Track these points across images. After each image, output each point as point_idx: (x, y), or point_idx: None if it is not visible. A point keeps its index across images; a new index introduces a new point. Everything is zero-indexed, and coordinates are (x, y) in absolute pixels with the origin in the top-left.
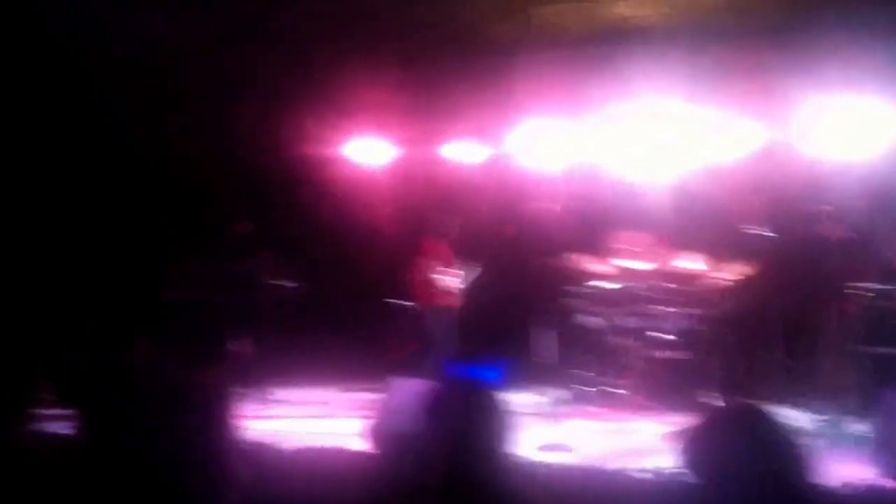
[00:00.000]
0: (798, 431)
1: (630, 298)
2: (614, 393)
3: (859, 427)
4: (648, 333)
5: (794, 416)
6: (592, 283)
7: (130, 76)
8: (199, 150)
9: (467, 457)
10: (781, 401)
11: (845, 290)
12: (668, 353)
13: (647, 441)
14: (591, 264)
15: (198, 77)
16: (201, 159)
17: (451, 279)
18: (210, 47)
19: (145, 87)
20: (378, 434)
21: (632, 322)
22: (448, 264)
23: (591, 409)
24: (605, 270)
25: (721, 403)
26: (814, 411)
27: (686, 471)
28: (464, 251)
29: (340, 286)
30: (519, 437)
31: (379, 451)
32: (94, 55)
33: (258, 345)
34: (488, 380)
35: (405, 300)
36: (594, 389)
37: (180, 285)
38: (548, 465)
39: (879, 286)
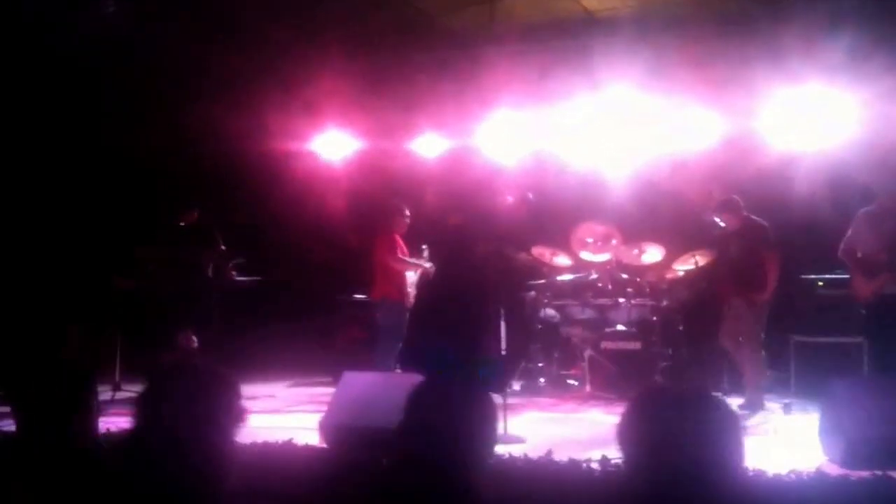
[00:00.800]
0: (740, 417)
1: (582, 289)
2: (566, 383)
3: (806, 414)
4: (601, 323)
5: (739, 403)
6: (546, 273)
7: (85, 66)
8: (152, 140)
9: (426, 449)
10: (730, 387)
11: (794, 280)
12: (621, 344)
13: (598, 430)
14: (544, 255)
15: (149, 65)
16: (153, 149)
17: (405, 271)
18: (164, 37)
19: (98, 77)
20: (329, 427)
21: (584, 312)
22: (401, 256)
23: (544, 399)
24: (559, 261)
25: (659, 388)
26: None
27: (626, 457)
28: (418, 243)
29: (293, 279)
30: (475, 427)
31: (330, 445)
32: (51, 44)
33: (207, 336)
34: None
35: (357, 293)
36: (546, 380)
37: (129, 275)
38: (502, 456)
39: (828, 276)
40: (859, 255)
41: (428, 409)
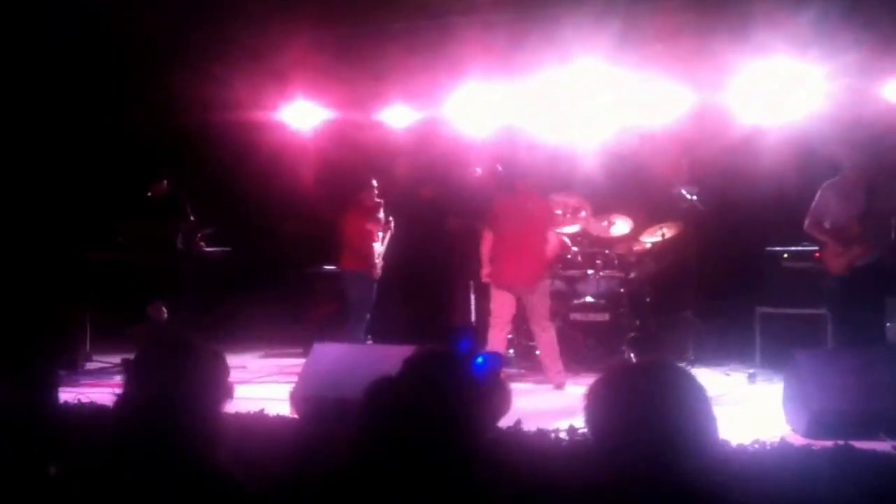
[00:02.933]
0: (704, 387)
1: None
2: (535, 354)
3: (770, 384)
4: (569, 295)
5: (707, 374)
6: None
7: (51, 38)
8: (121, 112)
9: (398, 421)
10: (697, 358)
11: (760, 252)
12: (589, 316)
13: (567, 401)
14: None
15: (116, 37)
16: (122, 121)
17: (375, 243)
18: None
19: (65, 49)
20: (300, 398)
21: (553, 284)
22: (371, 228)
23: (513, 370)
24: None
25: (625, 361)
26: (727, 369)
27: (591, 429)
28: (387, 215)
29: (263, 250)
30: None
31: (301, 416)
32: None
33: (177, 307)
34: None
35: (328, 264)
36: (515, 351)
37: (99, 247)
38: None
39: (793, 248)
40: (827, 226)
41: (431, 380)
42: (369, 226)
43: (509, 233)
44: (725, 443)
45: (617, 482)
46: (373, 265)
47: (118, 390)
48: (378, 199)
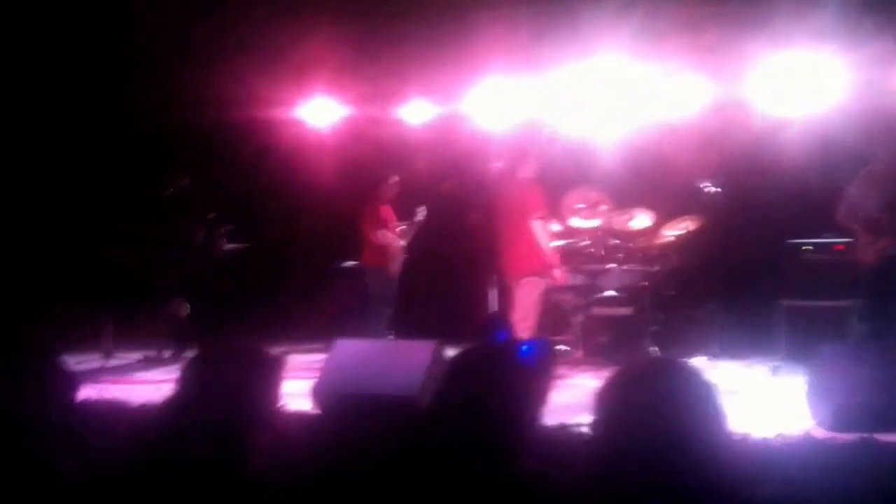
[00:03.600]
0: (719, 385)
1: (574, 255)
2: (558, 349)
3: (796, 378)
4: (591, 289)
5: (730, 366)
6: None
7: (69, 37)
8: (141, 109)
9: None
10: (720, 351)
11: (783, 244)
12: (612, 310)
13: (589, 396)
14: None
15: (135, 35)
16: (142, 118)
17: (395, 239)
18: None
19: (86, 48)
20: (322, 393)
21: (575, 278)
22: (391, 224)
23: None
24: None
25: (641, 358)
26: (751, 363)
27: (604, 425)
28: (408, 211)
29: (283, 246)
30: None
31: (323, 411)
32: (32, 14)
33: (198, 304)
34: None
35: (348, 260)
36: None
37: (119, 244)
38: None
39: (817, 240)
40: (860, 216)
41: (479, 379)
42: (379, 226)
43: (500, 222)
44: (748, 436)
45: (623, 479)
46: (390, 261)
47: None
48: (396, 194)
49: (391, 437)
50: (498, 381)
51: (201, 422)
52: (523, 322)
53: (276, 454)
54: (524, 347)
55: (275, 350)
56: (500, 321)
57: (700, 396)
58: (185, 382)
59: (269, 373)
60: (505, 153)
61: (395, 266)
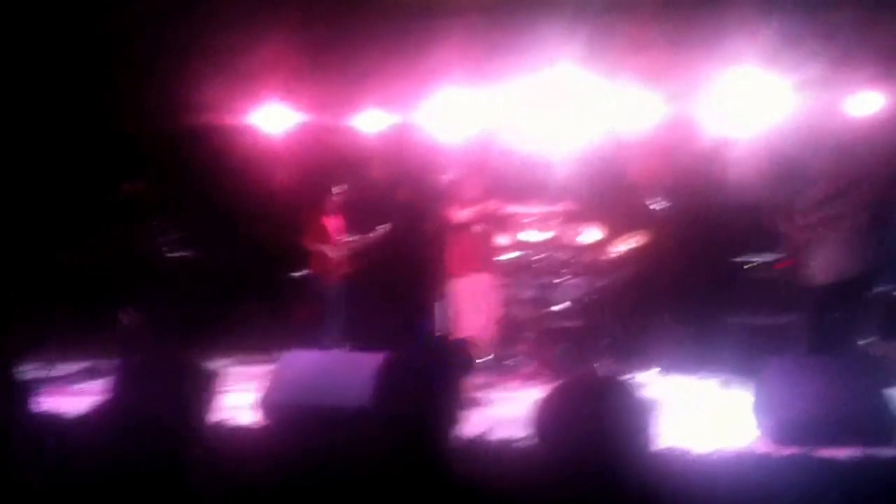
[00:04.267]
0: (668, 399)
1: (527, 267)
2: (510, 362)
3: (742, 392)
4: (544, 302)
5: (680, 380)
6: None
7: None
8: (91, 114)
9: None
10: (671, 366)
11: (731, 261)
12: (562, 322)
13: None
14: (488, 233)
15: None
16: (93, 124)
17: (347, 249)
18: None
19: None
20: (269, 406)
21: (528, 291)
22: (344, 234)
23: (487, 378)
24: (503, 240)
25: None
26: (701, 376)
27: (541, 439)
28: (361, 221)
29: (235, 255)
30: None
31: (271, 424)
32: None
33: (148, 314)
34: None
35: (300, 270)
36: (489, 358)
37: (69, 252)
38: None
39: (762, 258)
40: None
41: (403, 385)
42: (330, 230)
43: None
44: (693, 450)
45: (562, 490)
46: (332, 271)
47: (97, 399)
48: (341, 204)
49: (337, 449)
50: (421, 385)
51: (132, 434)
52: (469, 325)
53: (218, 467)
54: (442, 349)
55: (223, 361)
56: (421, 327)
57: (635, 412)
58: (115, 394)
59: (202, 385)
60: (458, 163)
61: (336, 276)
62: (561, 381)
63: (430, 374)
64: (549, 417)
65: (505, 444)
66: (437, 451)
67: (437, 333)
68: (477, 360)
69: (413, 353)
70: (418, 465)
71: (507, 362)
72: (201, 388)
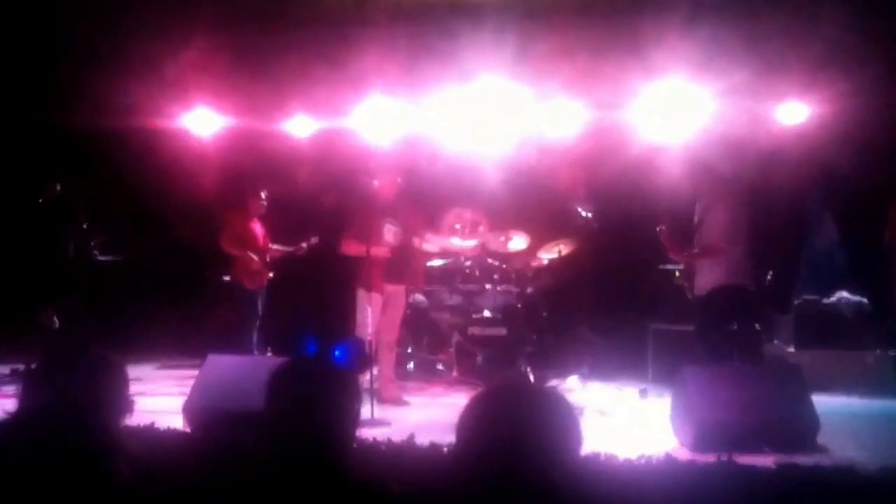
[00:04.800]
0: (587, 406)
1: (451, 274)
2: (434, 368)
3: (661, 399)
4: (468, 309)
5: (600, 388)
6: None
7: None
8: (13, 114)
9: (291, 432)
10: (591, 373)
11: (653, 269)
12: (487, 330)
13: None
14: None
15: (10, 37)
16: (13, 123)
17: (272, 254)
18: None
19: None
20: (193, 410)
21: (452, 298)
22: (261, 239)
23: (412, 383)
24: (428, 247)
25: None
26: (621, 384)
27: (462, 443)
28: (287, 226)
29: (159, 258)
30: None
31: (194, 428)
32: None
33: (69, 316)
34: (309, 355)
35: (224, 274)
36: (414, 364)
37: None
38: (366, 440)
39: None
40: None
41: (292, 391)
42: (256, 235)
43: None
44: (612, 457)
45: (480, 493)
46: (249, 277)
47: (13, 401)
48: (268, 209)
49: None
50: (317, 387)
51: (42, 432)
52: (390, 334)
53: (139, 472)
54: (338, 351)
55: (149, 365)
56: (314, 331)
57: (554, 418)
58: (23, 392)
59: (109, 378)
60: (386, 169)
61: (254, 282)
62: (483, 388)
63: (320, 378)
64: (471, 423)
65: (428, 449)
66: (332, 452)
67: (345, 339)
68: (402, 368)
69: (306, 357)
70: (312, 466)
71: (437, 367)
72: (119, 388)
